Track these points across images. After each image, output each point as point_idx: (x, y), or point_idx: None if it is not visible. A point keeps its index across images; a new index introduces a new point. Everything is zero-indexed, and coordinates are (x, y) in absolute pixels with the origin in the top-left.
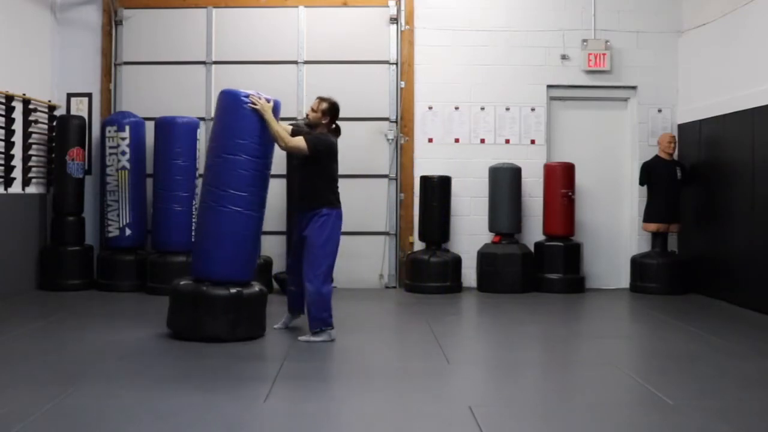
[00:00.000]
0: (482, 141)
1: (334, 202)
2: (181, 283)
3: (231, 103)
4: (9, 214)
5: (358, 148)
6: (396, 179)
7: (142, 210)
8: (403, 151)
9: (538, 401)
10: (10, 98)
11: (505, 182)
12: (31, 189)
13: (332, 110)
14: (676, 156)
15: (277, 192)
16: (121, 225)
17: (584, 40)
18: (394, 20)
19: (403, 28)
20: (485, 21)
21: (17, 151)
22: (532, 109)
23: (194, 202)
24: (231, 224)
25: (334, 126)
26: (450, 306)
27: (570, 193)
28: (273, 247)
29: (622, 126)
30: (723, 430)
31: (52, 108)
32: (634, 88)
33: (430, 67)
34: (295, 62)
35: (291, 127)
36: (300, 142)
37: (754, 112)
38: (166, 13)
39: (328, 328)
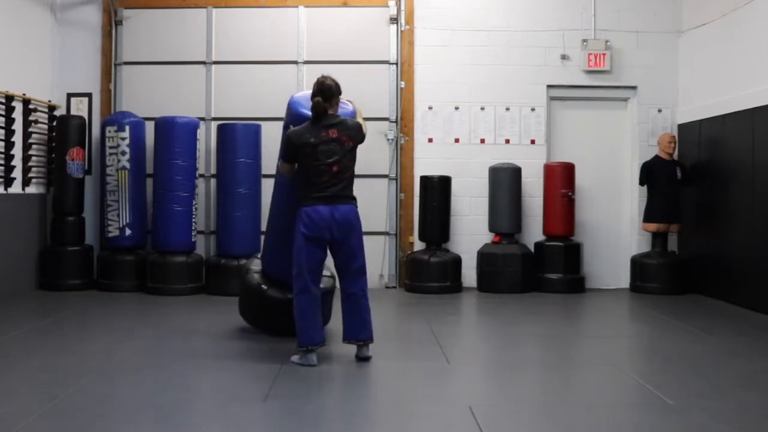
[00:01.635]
0: (482, 141)
1: (301, 200)
2: (251, 265)
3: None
4: (9, 214)
5: (358, 149)
6: (396, 179)
7: (142, 210)
8: (403, 151)
9: (538, 401)
10: (10, 98)
11: (505, 182)
12: (31, 189)
13: (313, 89)
14: (676, 156)
15: None
16: (121, 225)
17: (584, 40)
18: (394, 20)
19: (403, 28)
20: (485, 21)
21: (17, 151)
22: (532, 109)
23: (194, 202)
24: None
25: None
26: (450, 306)
27: (570, 193)
28: None
29: (622, 126)
30: (723, 430)
31: (52, 108)
32: (634, 88)
33: (430, 67)
34: (295, 62)
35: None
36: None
37: (754, 112)
38: (166, 13)
39: (303, 347)
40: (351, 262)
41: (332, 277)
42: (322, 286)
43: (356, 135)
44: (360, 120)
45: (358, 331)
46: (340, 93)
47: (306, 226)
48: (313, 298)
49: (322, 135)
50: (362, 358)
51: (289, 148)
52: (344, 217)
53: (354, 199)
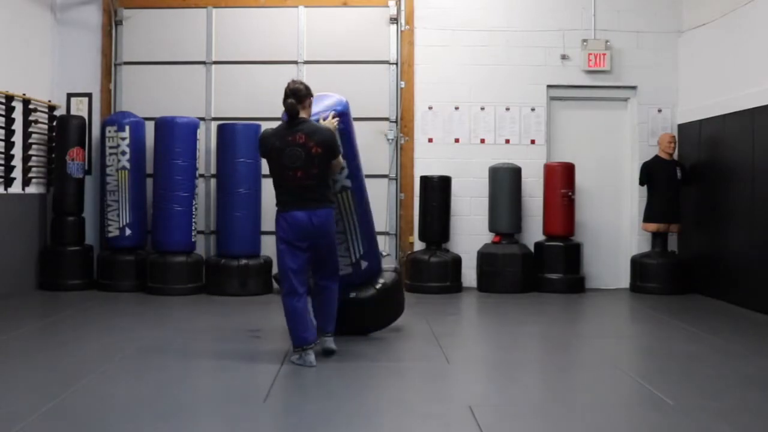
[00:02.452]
0: (482, 141)
1: (276, 204)
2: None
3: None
4: (9, 214)
5: (358, 148)
6: (396, 179)
7: (142, 210)
8: (403, 151)
9: (538, 401)
10: (10, 98)
11: (505, 182)
12: (31, 189)
13: (284, 93)
14: (676, 156)
15: None
16: (121, 225)
17: (584, 40)
18: (394, 20)
19: (403, 28)
20: (485, 21)
21: (17, 151)
22: (532, 109)
23: (194, 202)
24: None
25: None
26: (450, 306)
27: (570, 193)
28: (273, 247)
29: (622, 126)
30: (723, 430)
31: (52, 108)
32: (634, 88)
33: (430, 67)
34: (295, 62)
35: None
36: None
37: (754, 112)
38: (166, 13)
39: (298, 348)
40: (327, 264)
41: (395, 271)
42: (384, 277)
43: (327, 142)
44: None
45: (324, 323)
46: (310, 95)
47: (284, 231)
48: (300, 299)
49: (288, 139)
50: (326, 349)
51: (259, 148)
52: (321, 222)
53: (331, 202)
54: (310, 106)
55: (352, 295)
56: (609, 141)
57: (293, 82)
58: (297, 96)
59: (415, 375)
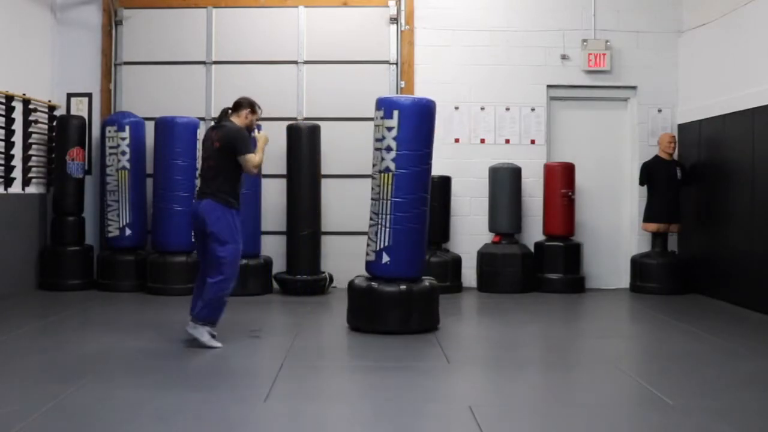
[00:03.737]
0: (482, 141)
1: None
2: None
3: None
4: (9, 214)
5: (358, 149)
6: None
7: (142, 210)
8: None
9: (538, 401)
10: (10, 98)
11: (505, 182)
12: (31, 189)
13: None
14: (676, 156)
15: (277, 191)
16: (121, 225)
17: (584, 40)
18: (394, 20)
19: (403, 28)
20: (485, 21)
21: (17, 151)
22: (532, 109)
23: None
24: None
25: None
26: (450, 306)
27: (570, 193)
28: (273, 247)
29: (622, 126)
30: (723, 430)
31: (52, 108)
32: (634, 88)
33: (430, 67)
34: (295, 62)
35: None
36: None
37: (754, 112)
38: (166, 13)
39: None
40: (208, 252)
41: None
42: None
43: (226, 138)
44: (260, 145)
45: (192, 307)
46: (248, 108)
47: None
48: (198, 278)
49: (209, 134)
50: (189, 332)
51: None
52: (201, 210)
53: (215, 195)
54: (246, 117)
55: (375, 285)
56: (609, 141)
57: (241, 98)
58: (235, 105)
59: (415, 375)
